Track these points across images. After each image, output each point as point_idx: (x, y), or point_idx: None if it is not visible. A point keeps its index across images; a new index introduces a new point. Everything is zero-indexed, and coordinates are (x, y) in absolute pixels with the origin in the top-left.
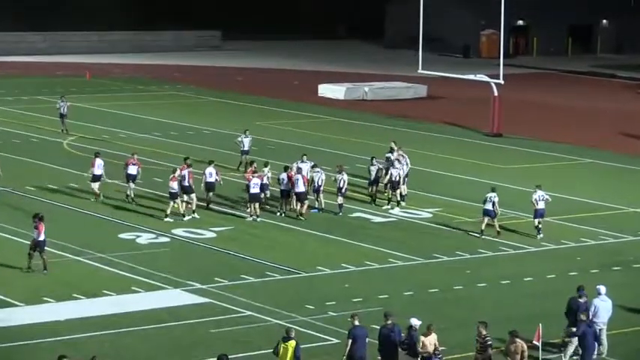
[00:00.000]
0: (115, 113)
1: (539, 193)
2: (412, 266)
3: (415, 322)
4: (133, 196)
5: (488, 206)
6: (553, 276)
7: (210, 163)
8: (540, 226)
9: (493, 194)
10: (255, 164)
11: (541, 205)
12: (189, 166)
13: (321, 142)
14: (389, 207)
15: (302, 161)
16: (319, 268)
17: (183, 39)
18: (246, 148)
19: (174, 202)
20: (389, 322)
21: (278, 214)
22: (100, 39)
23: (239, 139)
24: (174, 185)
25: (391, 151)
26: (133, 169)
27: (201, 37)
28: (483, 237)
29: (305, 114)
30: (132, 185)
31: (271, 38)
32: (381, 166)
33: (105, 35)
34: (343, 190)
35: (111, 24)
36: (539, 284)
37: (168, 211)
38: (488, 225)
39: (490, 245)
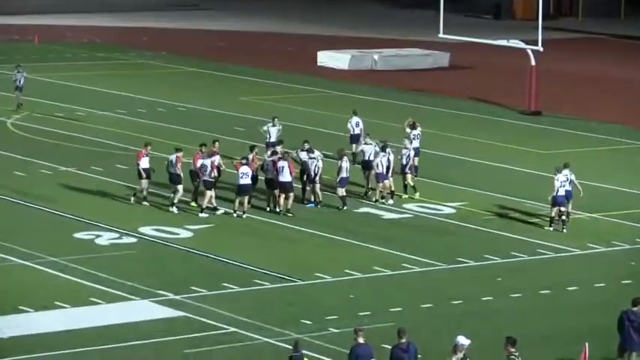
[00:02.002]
0: (69, 86)
1: (561, 178)
2: (431, 273)
3: (463, 341)
4: (145, 194)
5: (567, 187)
6: (602, 285)
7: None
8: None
9: (568, 171)
10: (256, 150)
11: (561, 192)
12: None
13: (319, 121)
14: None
15: (302, 150)
16: (318, 275)
17: None
18: (273, 140)
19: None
20: (402, 340)
21: (267, 209)
22: None
23: (265, 127)
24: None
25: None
26: (146, 162)
27: None
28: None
29: (301, 87)
30: (144, 184)
31: None
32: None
33: None
34: (338, 181)
35: None
36: (585, 294)
37: (205, 204)
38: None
39: (527, 247)
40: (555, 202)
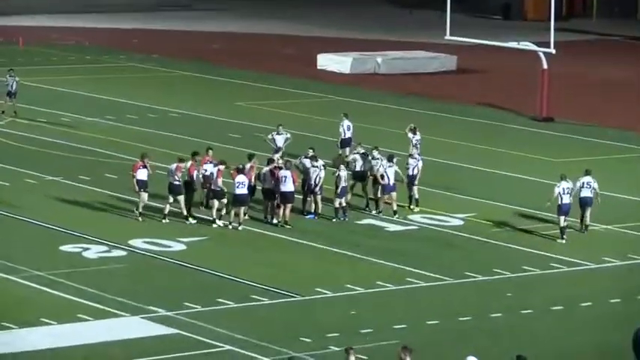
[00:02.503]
0: (55, 90)
1: (563, 185)
2: (437, 288)
3: None
4: (141, 210)
5: (586, 193)
6: (618, 300)
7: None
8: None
9: (589, 178)
10: (255, 159)
11: (566, 200)
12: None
13: (319, 128)
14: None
15: (305, 157)
16: (318, 289)
17: None
18: (279, 147)
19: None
20: (408, 359)
21: (275, 221)
22: None
23: (269, 136)
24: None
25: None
26: (143, 174)
27: None
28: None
29: (300, 92)
30: (144, 196)
31: None
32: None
33: None
34: (339, 191)
35: None
36: (600, 311)
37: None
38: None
39: (538, 261)
40: (561, 210)
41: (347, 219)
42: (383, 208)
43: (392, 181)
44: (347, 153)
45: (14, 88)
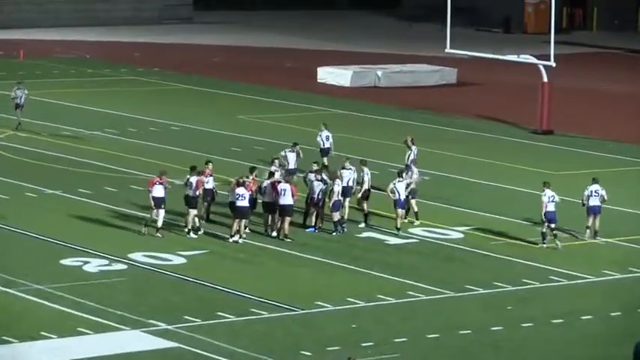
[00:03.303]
0: (56, 104)
1: (548, 194)
2: (438, 301)
3: None
4: (160, 225)
5: (594, 201)
6: (618, 313)
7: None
8: (555, 232)
9: (597, 186)
10: (256, 172)
11: (550, 208)
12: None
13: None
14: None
15: (310, 171)
16: (319, 303)
17: (144, 9)
18: (291, 167)
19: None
20: None
21: (273, 234)
22: (36, 8)
23: (282, 153)
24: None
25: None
26: (159, 191)
27: (167, 6)
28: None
29: (300, 105)
30: (161, 212)
31: (256, 8)
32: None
33: (43, 3)
34: (331, 204)
35: None
36: (600, 324)
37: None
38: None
39: (538, 274)
40: (545, 217)
41: (345, 231)
42: (401, 224)
43: (402, 196)
44: (325, 162)
45: (22, 100)
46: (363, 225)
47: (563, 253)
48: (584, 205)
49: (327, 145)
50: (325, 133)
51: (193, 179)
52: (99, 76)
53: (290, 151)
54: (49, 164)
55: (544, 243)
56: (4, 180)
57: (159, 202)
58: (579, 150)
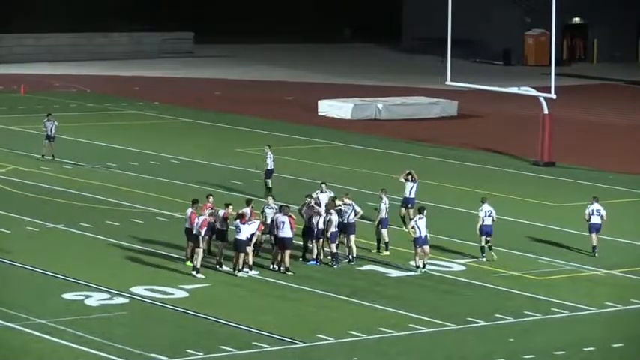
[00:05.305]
0: (57, 138)
1: (485, 209)
2: (439, 334)
3: None
4: (221, 259)
5: (596, 220)
6: (620, 345)
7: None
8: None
9: (598, 206)
10: (252, 204)
11: (487, 222)
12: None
13: (321, 174)
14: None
15: (322, 191)
16: (320, 336)
17: (144, 43)
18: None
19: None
20: None
21: (271, 267)
22: (37, 43)
23: (314, 194)
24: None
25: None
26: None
27: (167, 40)
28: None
29: (301, 139)
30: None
31: (256, 42)
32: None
33: (43, 38)
34: (329, 235)
35: (52, 24)
36: (602, 356)
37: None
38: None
39: (540, 305)
40: (481, 231)
41: (338, 265)
42: (420, 262)
43: (424, 234)
44: (269, 185)
45: (53, 132)
46: (387, 252)
47: (564, 284)
48: (587, 221)
49: (271, 166)
50: (270, 154)
51: (221, 212)
52: (99, 110)
53: (321, 192)
54: (51, 198)
55: (483, 257)
56: (6, 214)
57: (222, 236)
58: (581, 182)
